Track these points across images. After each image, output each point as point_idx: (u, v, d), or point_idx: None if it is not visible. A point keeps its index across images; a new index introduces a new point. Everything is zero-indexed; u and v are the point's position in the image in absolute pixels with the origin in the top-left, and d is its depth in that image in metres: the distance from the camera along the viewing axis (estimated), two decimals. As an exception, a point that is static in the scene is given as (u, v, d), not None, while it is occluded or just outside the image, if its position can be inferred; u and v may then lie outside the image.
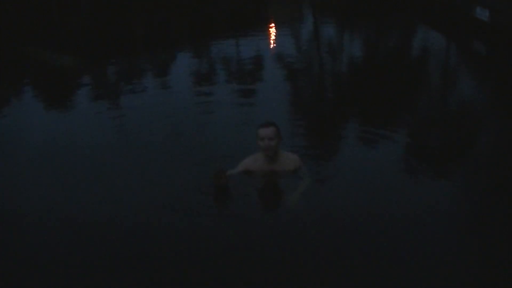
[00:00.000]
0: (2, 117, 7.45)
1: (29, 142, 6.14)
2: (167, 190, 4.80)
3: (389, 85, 8.41)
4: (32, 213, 4.59)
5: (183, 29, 14.70)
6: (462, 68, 10.23)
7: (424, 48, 11.69)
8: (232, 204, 4.61)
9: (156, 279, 3.70)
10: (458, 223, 4.37)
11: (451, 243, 4.05)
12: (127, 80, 9.48)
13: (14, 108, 8.02)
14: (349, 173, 5.09)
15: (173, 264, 3.88)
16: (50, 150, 5.88)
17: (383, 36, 13.46)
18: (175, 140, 5.99)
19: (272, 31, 13.66)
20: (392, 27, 14.63)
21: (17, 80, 9.91)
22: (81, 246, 4.11)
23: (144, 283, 3.69)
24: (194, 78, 9.38)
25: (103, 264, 3.90)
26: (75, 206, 4.65)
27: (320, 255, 3.91)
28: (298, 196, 4.57)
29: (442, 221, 4.31)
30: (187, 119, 6.73)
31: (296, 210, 4.47)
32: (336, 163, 5.46)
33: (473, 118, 6.85)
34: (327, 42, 12.47)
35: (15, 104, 8.29)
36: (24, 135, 6.42)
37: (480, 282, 3.67)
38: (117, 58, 11.38)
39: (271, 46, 11.92)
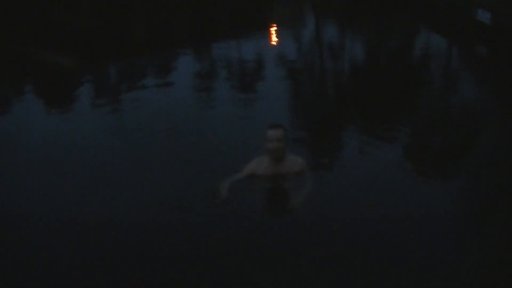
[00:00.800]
0: (2, 117, 7.44)
1: (29, 142, 6.14)
2: (168, 190, 4.80)
3: (390, 86, 8.41)
4: (32, 213, 4.59)
5: (183, 29, 14.69)
6: (464, 70, 10.22)
7: (425, 50, 11.68)
8: (234, 205, 4.59)
9: (156, 279, 3.70)
10: (458, 223, 4.38)
11: (451, 244, 4.05)
12: (128, 81, 9.48)
13: (14, 108, 8.01)
14: (349, 173, 5.10)
15: (173, 264, 3.89)
16: (50, 150, 5.88)
17: (384, 38, 13.45)
18: (175, 140, 5.98)
19: (273, 31, 13.65)
20: (393, 28, 14.63)
21: (18, 80, 9.90)
22: (81, 246, 4.12)
23: (144, 283, 3.69)
24: (195, 79, 9.36)
25: (103, 264, 3.90)
26: (75, 206, 4.66)
27: (320, 255, 3.92)
28: (301, 199, 4.56)
29: (443, 221, 4.32)
30: (187, 120, 6.71)
31: (297, 211, 4.47)
32: (336, 164, 5.46)
33: (474, 119, 6.85)
34: (328, 43, 12.46)
35: (15, 104, 8.28)
36: (24, 135, 6.41)
37: (480, 282, 3.69)
38: (117, 58, 11.36)
39: (272, 46, 11.91)
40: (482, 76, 9.32)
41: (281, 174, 4.83)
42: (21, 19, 15.83)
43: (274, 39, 12.76)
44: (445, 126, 6.65)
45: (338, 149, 5.94)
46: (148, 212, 4.47)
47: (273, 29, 13.97)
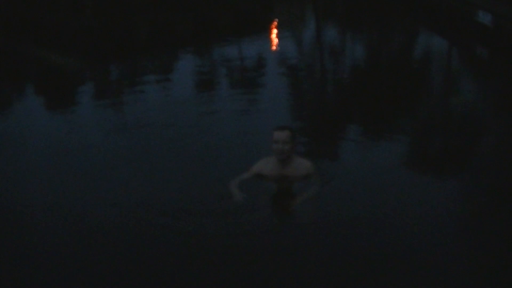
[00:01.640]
0: (3, 117, 7.44)
1: (30, 142, 6.14)
2: (169, 191, 4.80)
3: (391, 87, 8.41)
4: (33, 213, 4.60)
5: (185, 29, 14.71)
6: (464, 72, 10.21)
7: (426, 52, 11.68)
8: (236, 206, 4.59)
9: (157, 279, 3.70)
10: (458, 223, 4.39)
11: (451, 244, 4.07)
12: (129, 80, 9.47)
13: (16, 108, 8.02)
14: (351, 174, 5.10)
15: (173, 264, 3.89)
16: (51, 150, 5.88)
17: (385, 39, 13.45)
18: (177, 142, 5.99)
19: (275, 33, 13.65)
20: (394, 30, 14.63)
21: (19, 80, 9.90)
22: (82, 246, 4.13)
23: (144, 283, 3.68)
24: (196, 79, 9.37)
25: (103, 264, 3.90)
26: (75, 206, 4.66)
27: (321, 255, 3.93)
28: (300, 199, 4.56)
29: (443, 222, 4.33)
30: (189, 119, 6.72)
31: (297, 212, 4.47)
32: (338, 165, 5.46)
33: (474, 121, 6.86)
34: (329, 45, 12.46)
35: (16, 104, 8.29)
36: (25, 134, 6.42)
37: (480, 282, 3.69)
38: (119, 58, 11.37)
39: (274, 48, 11.92)
40: (483, 78, 9.32)
41: (287, 176, 4.79)
42: (23, 19, 15.83)
43: (275, 40, 12.77)
44: (446, 127, 6.66)
45: (338, 149, 5.94)
46: (150, 213, 4.47)
47: (274, 30, 13.98)
